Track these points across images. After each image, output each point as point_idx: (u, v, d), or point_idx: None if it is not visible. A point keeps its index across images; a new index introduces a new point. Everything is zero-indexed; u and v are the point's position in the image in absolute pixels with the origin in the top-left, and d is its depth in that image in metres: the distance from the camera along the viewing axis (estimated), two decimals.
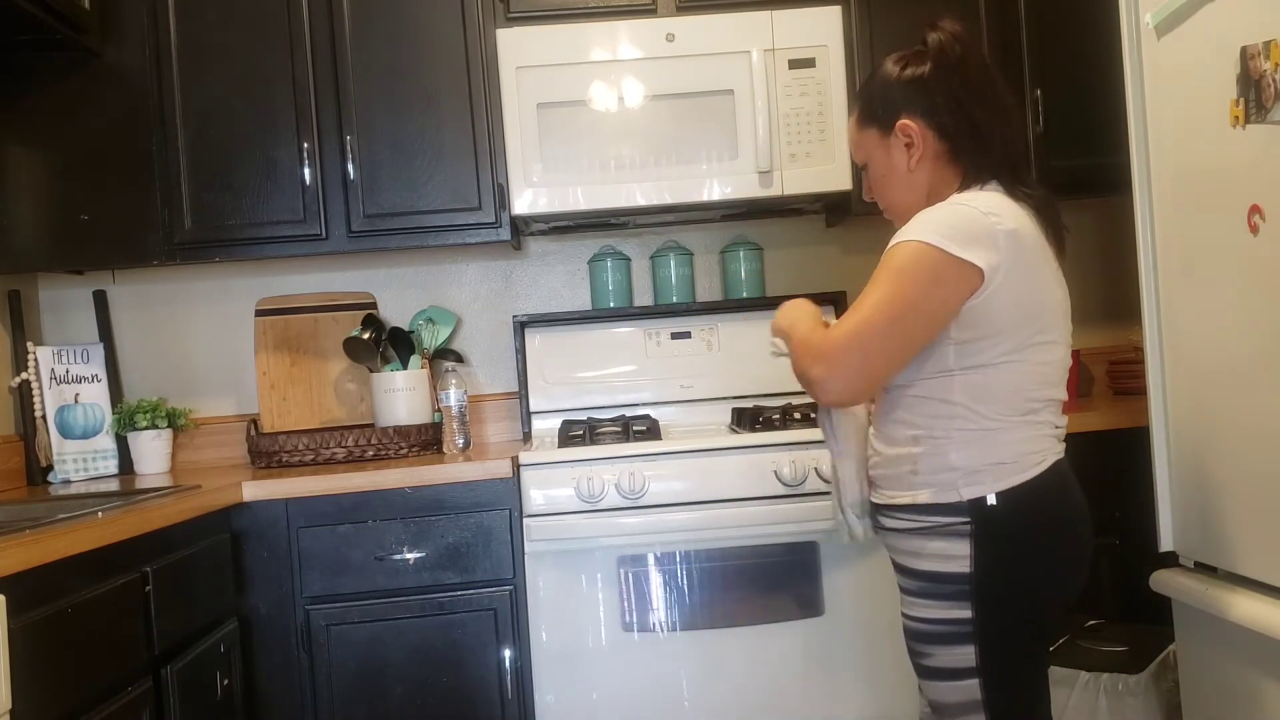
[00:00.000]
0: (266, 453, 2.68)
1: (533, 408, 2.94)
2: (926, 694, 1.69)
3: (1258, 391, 1.68)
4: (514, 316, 2.98)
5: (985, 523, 1.57)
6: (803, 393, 2.91)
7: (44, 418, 2.80)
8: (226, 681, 2.21)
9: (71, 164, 2.64)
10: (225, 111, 2.67)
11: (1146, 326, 1.98)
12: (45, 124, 2.64)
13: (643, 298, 3.10)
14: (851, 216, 2.87)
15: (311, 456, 2.67)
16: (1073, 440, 2.46)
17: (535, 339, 2.97)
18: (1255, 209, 1.64)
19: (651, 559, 2.40)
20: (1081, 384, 3.11)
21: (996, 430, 1.59)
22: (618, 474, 2.37)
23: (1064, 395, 1.67)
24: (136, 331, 3.02)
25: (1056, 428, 1.66)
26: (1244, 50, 1.63)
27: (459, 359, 2.98)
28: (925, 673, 1.66)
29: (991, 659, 1.59)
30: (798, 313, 1.75)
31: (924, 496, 1.61)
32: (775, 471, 2.40)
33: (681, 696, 2.39)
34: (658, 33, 2.65)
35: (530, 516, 2.38)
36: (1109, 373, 3.06)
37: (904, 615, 1.68)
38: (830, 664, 2.40)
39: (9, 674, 1.43)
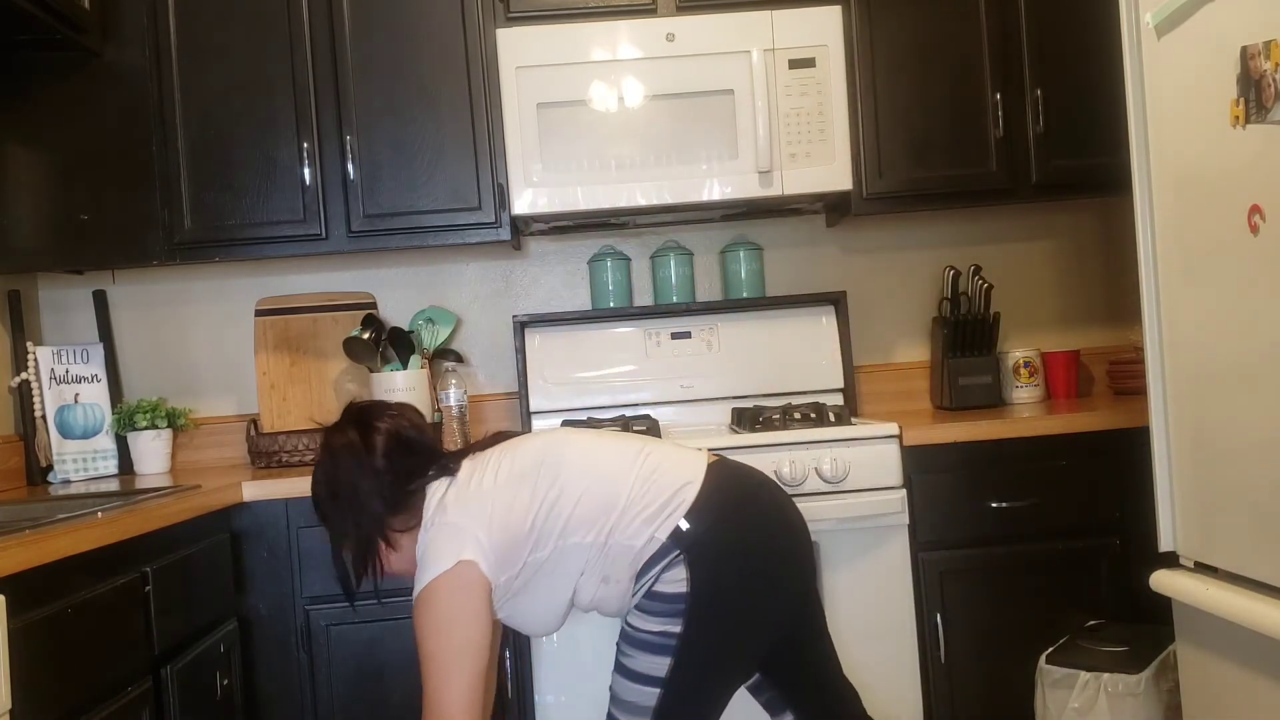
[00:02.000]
0: (266, 453, 2.68)
1: (533, 408, 2.94)
2: (611, 684, 1.80)
3: (1258, 392, 1.68)
4: (514, 316, 2.98)
5: (690, 545, 1.71)
6: (803, 393, 2.93)
7: (44, 418, 2.80)
8: (226, 681, 2.21)
9: (71, 164, 2.64)
10: (225, 111, 2.67)
11: (1146, 326, 1.97)
12: (45, 124, 2.64)
13: (643, 298, 3.10)
14: (851, 216, 2.87)
15: (311, 456, 2.67)
16: (1073, 440, 2.49)
17: (535, 339, 2.97)
18: (1255, 209, 1.64)
19: None
20: (1081, 384, 3.11)
21: (634, 510, 1.73)
22: None
23: (651, 471, 1.79)
24: (136, 331, 3.02)
25: (669, 497, 1.76)
26: (1244, 50, 1.63)
27: (459, 359, 2.98)
28: (619, 668, 1.78)
29: (679, 675, 1.72)
30: None
31: (644, 558, 1.73)
32: (775, 471, 2.39)
33: None
34: (658, 33, 2.65)
35: None
36: (1109, 373, 3.06)
37: (625, 620, 1.79)
38: None
39: (9, 674, 1.43)
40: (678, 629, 1.71)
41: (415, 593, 1.74)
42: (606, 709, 1.81)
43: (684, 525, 1.72)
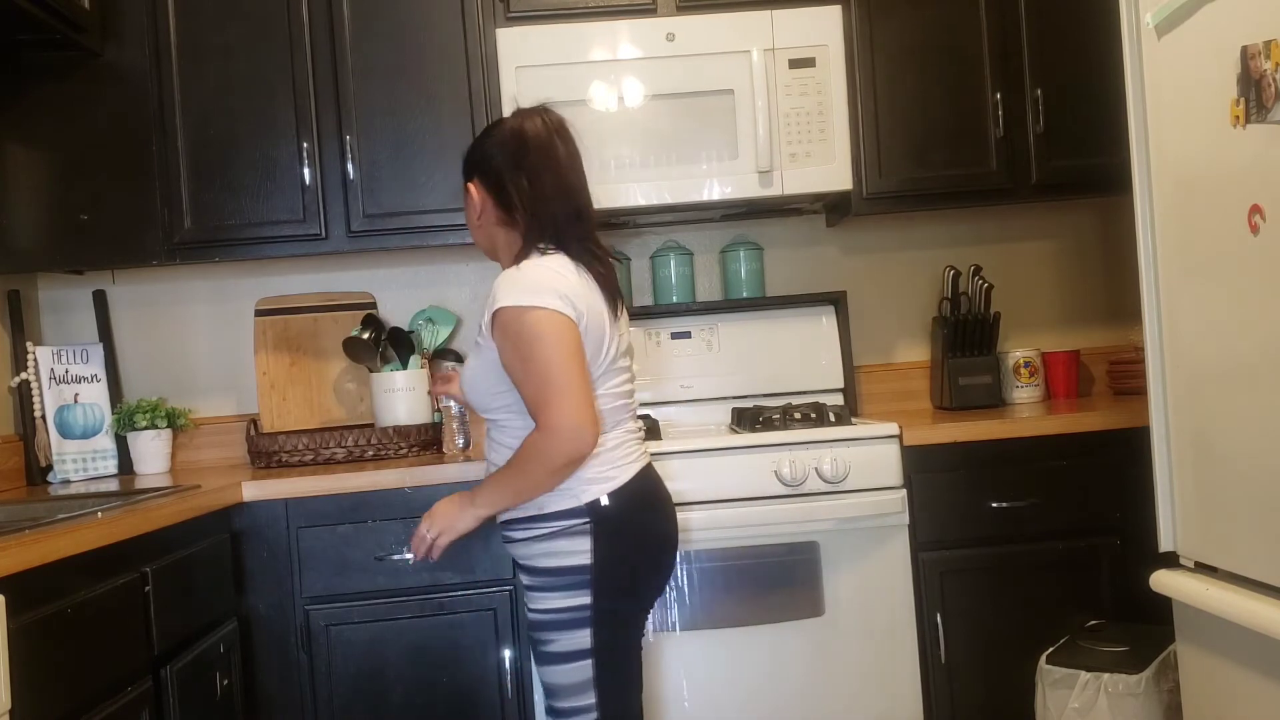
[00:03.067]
0: (266, 453, 2.68)
1: None
2: (544, 679, 1.89)
3: (1258, 392, 1.68)
4: None
5: (601, 519, 1.82)
6: (803, 393, 2.93)
7: (43, 418, 2.80)
8: (226, 681, 2.21)
9: (71, 164, 2.64)
10: (225, 111, 2.67)
11: (1146, 326, 1.97)
12: (45, 124, 2.64)
13: (643, 298, 3.10)
14: (851, 216, 2.87)
15: (311, 456, 2.67)
16: (1073, 440, 2.49)
17: None
18: (1255, 209, 1.64)
19: None
20: (1081, 384, 3.11)
21: (600, 440, 1.82)
22: None
23: (636, 407, 1.99)
24: (136, 331, 3.02)
25: (639, 438, 1.96)
26: (1244, 50, 1.63)
27: (459, 359, 2.98)
28: (545, 659, 1.87)
29: (603, 640, 1.83)
30: (462, 496, 1.93)
31: (549, 506, 1.83)
32: (775, 471, 2.40)
33: (682, 696, 2.39)
34: (658, 32, 2.65)
35: None
36: (1109, 373, 3.06)
37: (529, 610, 1.89)
38: (830, 664, 2.40)
39: (9, 674, 1.43)
40: (587, 600, 1.82)
41: (499, 305, 1.79)
42: (548, 706, 1.90)
43: (604, 501, 1.83)
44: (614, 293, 1.92)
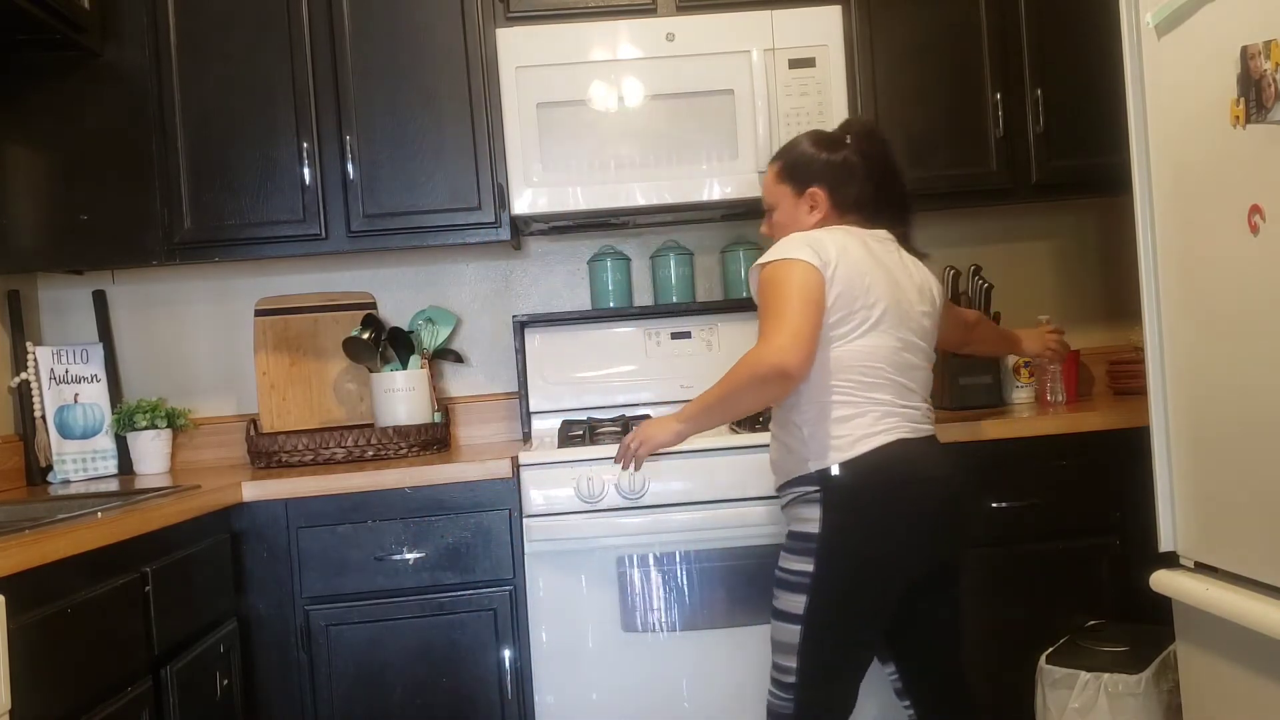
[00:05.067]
0: (266, 453, 2.68)
1: (533, 408, 2.94)
2: (772, 631, 1.96)
3: (1258, 391, 1.68)
4: (514, 316, 2.98)
5: (831, 489, 1.87)
6: None
7: (43, 418, 2.80)
8: (226, 682, 2.21)
9: (71, 164, 2.64)
10: (225, 111, 2.67)
11: (1146, 326, 1.97)
12: (45, 124, 2.64)
13: (643, 298, 3.10)
14: None
15: (311, 456, 2.67)
16: (1073, 440, 2.49)
17: (535, 339, 2.97)
18: (1255, 209, 1.64)
19: (651, 559, 2.40)
20: (1081, 384, 3.11)
21: (838, 405, 1.90)
22: (617, 474, 2.37)
23: (909, 382, 1.97)
24: (136, 331, 3.02)
25: (904, 407, 1.94)
26: (1244, 50, 1.63)
27: (459, 359, 2.98)
28: (772, 612, 1.95)
29: (817, 612, 1.87)
30: (670, 415, 2.04)
31: (786, 474, 1.96)
32: None
33: (681, 697, 2.39)
34: (658, 32, 2.65)
35: (530, 516, 2.38)
36: (1109, 373, 3.06)
37: (778, 565, 1.96)
38: None
39: (9, 674, 1.43)
40: (810, 568, 1.87)
41: (761, 262, 1.96)
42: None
43: (835, 471, 1.87)
44: (912, 277, 2.03)
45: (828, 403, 1.91)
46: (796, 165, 2.11)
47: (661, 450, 2.07)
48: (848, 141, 2.09)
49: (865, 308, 1.92)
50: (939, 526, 1.95)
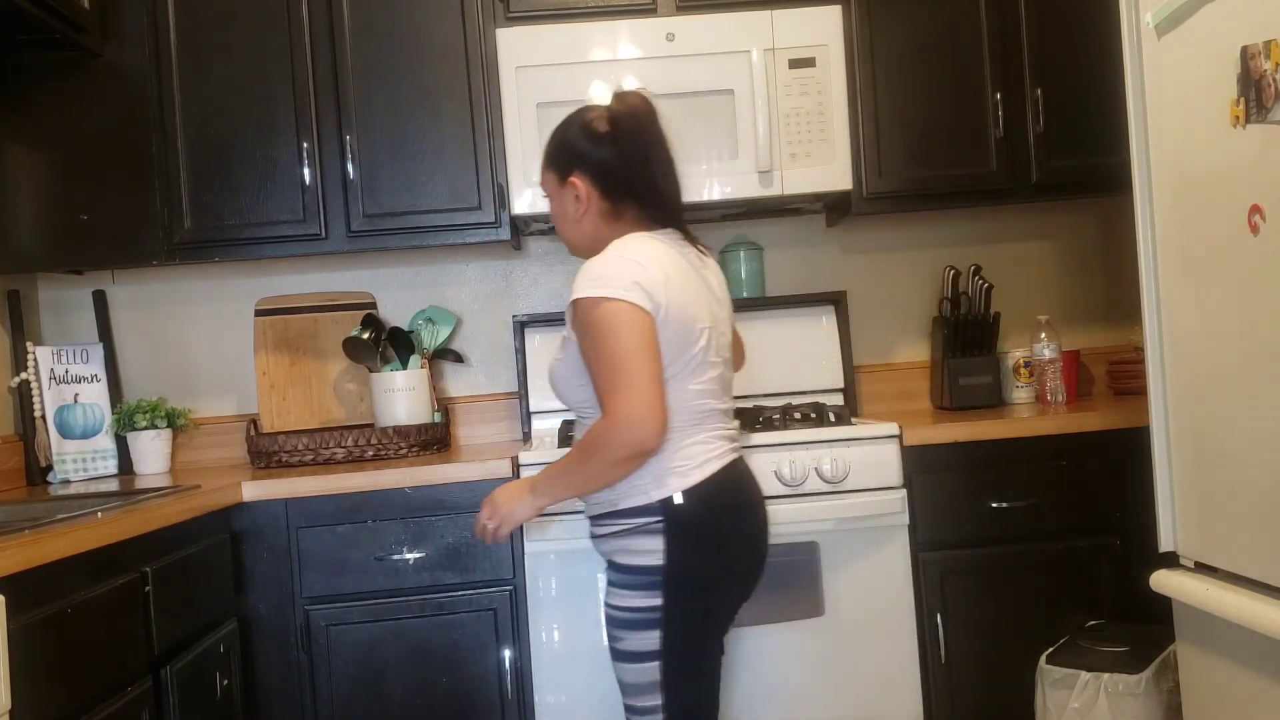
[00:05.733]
0: (266, 453, 2.68)
1: (533, 408, 2.94)
2: (616, 674, 1.86)
3: (1258, 391, 1.68)
4: (514, 316, 2.98)
5: (674, 519, 1.78)
6: (803, 392, 2.93)
7: (43, 418, 2.80)
8: (226, 682, 2.21)
9: (71, 164, 2.64)
10: (225, 111, 2.67)
11: (1146, 326, 1.97)
12: (45, 124, 2.64)
13: None
14: (851, 216, 2.87)
15: (311, 456, 2.67)
16: (1073, 440, 2.49)
17: (535, 339, 2.96)
18: (1255, 209, 1.64)
19: None
20: (1081, 384, 3.11)
21: (673, 438, 1.79)
22: None
23: (728, 402, 1.92)
24: (136, 331, 3.02)
25: (728, 429, 1.90)
26: (1244, 50, 1.63)
27: (459, 359, 2.98)
28: (617, 655, 1.85)
29: (673, 643, 1.79)
30: (522, 484, 1.90)
31: (623, 503, 1.81)
32: (775, 471, 2.40)
33: None
34: (658, 32, 2.65)
35: None
36: (1109, 373, 3.06)
37: (606, 604, 1.85)
38: (830, 664, 2.40)
39: (9, 674, 1.43)
40: (658, 601, 1.78)
41: (575, 297, 1.78)
42: (624, 702, 1.86)
43: (678, 499, 1.78)
44: (714, 285, 1.92)
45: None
46: (558, 148, 1.92)
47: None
48: (607, 121, 1.88)
49: (693, 343, 1.81)
50: (763, 545, 1.92)
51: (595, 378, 1.76)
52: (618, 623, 1.82)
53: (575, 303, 1.77)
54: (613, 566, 1.85)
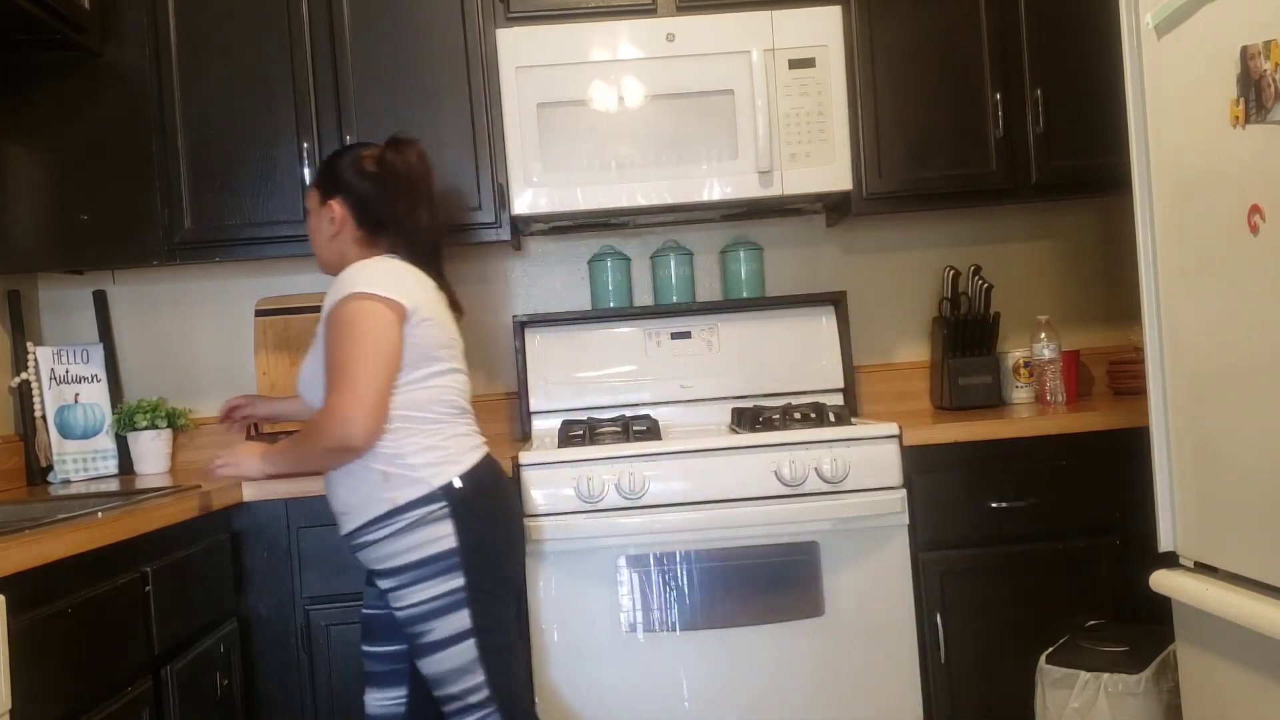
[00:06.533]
0: None
1: (533, 408, 2.94)
2: (429, 671, 1.93)
3: (1258, 392, 1.68)
4: (514, 316, 2.99)
5: (457, 501, 1.89)
6: (803, 393, 2.93)
7: (44, 418, 2.80)
8: (226, 681, 2.21)
9: (71, 164, 2.64)
10: (225, 111, 2.67)
11: (1146, 326, 1.97)
12: (45, 124, 2.64)
13: (643, 298, 3.10)
14: (851, 216, 2.87)
15: None
16: (1073, 440, 2.49)
17: (535, 339, 2.97)
18: (1255, 209, 1.64)
19: (652, 559, 2.40)
20: (1081, 384, 3.11)
21: (434, 430, 1.93)
22: (618, 474, 2.37)
23: (471, 410, 2.06)
24: (136, 331, 3.02)
25: (476, 430, 2.04)
26: (1244, 50, 1.63)
27: None
28: (428, 650, 1.91)
29: (482, 617, 1.90)
30: (261, 448, 2.04)
31: (402, 498, 1.89)
32: (775, 471, 2.40)
33: (682, 696, 2.39)
34: (658, 32, 2.65)
35: (530, 517, 2.38)
36: (1109, 373, 3.06)
37: (397, 610, 1.92)
38: (830, 664, 2.40)
39: (9, 674, 1.43)
40: (460, 582, 1.88)
41: (333, 301, 1.89)
42: (438, 695, 1.93)
43: (457, 483, 1.90)
44: (454, 304, 2.08)
45: (426, 430, 1.93)
46: (327, 173, 2.09)
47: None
48: (379, 156, 2.04)
49: (448, 344, 1.98)
50: (521, 517, 2.12)
51: (326, 367, 1.88)
52: (421, 617, 1.89)
53: (340, 303, 1.88)
54: (395, 571, 1.91)
